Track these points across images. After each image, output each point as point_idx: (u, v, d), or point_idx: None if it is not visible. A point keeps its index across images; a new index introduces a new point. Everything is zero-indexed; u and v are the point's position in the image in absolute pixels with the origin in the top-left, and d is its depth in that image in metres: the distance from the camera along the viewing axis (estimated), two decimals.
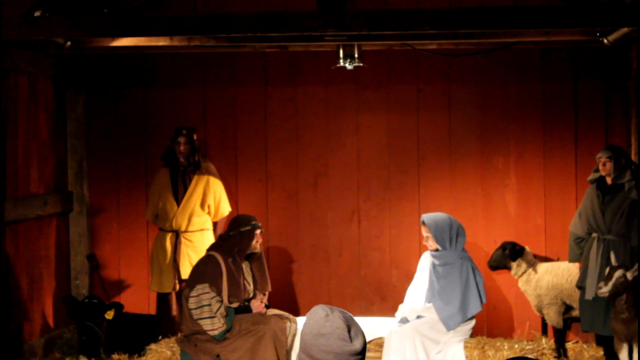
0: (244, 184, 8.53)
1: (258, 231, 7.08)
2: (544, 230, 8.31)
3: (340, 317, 2.98)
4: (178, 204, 7.76)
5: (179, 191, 7.82)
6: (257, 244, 7.07)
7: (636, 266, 6.61)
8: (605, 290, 6.57)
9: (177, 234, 7.74)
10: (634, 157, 7.76)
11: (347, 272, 8.45)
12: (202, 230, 7.82)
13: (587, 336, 7.80)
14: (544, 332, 7.86)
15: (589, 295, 7.10)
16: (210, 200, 7.80)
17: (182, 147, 7.69)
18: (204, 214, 7.79)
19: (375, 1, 7.98)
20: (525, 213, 8.31)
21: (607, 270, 6.68)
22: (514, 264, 7.79)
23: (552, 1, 7.76)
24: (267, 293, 7.23)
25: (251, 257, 7.08)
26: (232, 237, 7.02)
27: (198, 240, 7.76)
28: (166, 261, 7.75)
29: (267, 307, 7.16)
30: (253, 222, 7.08)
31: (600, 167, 7.21)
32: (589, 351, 7.68)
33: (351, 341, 2.95)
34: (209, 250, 7.11)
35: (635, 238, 6.95)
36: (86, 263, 8.43)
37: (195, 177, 7.79)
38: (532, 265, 7.78)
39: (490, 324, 8.16)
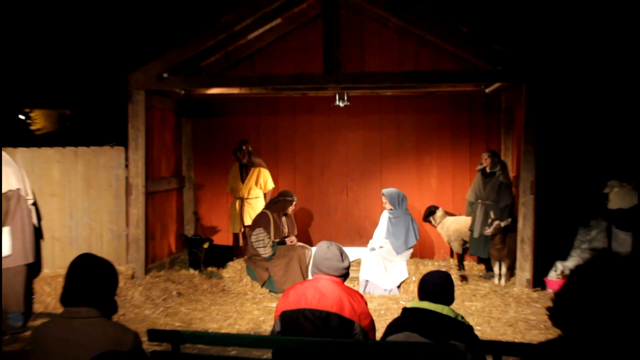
0: (282, 172, 8.65)
1: (294, 203, 7.32)
2: (452, 198, 8.49)
3: (336, 247, 3.00)
4: (243, 183, 7.95)
5: (243, 176, 8.02)
6: (290, 210, 7.30)
7: (507, 220, 7.12)
8: (489, 231, 7.07)
9: (242, 200, 7.99)
10: (502, 157, 8.21)
11: (340, 222, 8.67)
12: (256, 198, 8.02)
13: (475, 258, 8.18)
14: (452, 255, 8.17)
15: (475, 235, 7.58)
16: (260, 181, 8.02)
17: (240, 154, 7.97)
18: (257, 189, 8.05)
19: (357, 66, 7.83)
20: (442, 189, 8.53)
21: (490, 220, 7.11)
22: (432, 218, 8.05)
23: (457, 67, 7.65)
24: (295, 234, 7.42)
25: (286, 215, 7.36)
26: (279, 202, 7.34)
27: (254, 203, 7.99)
28: (236, 214, 8.05)
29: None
30: (293, 197, 7.33)
31: (483, 162, 7.57)
32: (477, 267, 8.07)
33: (342, 261, 2.97)
34: (264, 208, 7.43)
35: (502, 202, 7.26)
36: (192, 216, 8.75)
37: (252, 169, 7.98)
38: (444, 218, 8.07)
39: (421, 251, 8.49)
